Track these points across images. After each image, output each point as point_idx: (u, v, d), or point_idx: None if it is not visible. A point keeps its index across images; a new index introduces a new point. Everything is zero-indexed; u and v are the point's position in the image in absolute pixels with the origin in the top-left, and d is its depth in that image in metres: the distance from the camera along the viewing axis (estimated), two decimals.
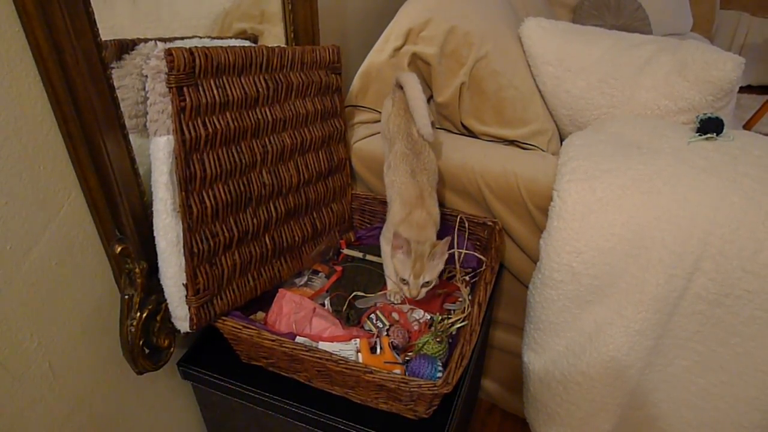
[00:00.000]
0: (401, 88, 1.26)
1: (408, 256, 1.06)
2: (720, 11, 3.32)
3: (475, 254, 1.29)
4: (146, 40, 0.95)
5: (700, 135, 1.21)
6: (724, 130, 1.22)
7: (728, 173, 1.10)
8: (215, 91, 0.96)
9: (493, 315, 1.53)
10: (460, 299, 1.21)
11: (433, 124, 1.31)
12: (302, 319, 1.09)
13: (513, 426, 1.71)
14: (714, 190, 1.07)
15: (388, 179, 1.20)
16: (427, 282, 1.07)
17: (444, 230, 1.32)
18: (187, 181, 0.93)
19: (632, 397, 1.20)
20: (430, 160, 1.19)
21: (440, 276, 1.26)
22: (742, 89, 3.57)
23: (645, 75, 1.36)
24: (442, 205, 1.36)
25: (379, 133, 1.43)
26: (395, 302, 1.18)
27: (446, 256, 1.09)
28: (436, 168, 1.22)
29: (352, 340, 1.06)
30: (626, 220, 1.09)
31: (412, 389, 0.92)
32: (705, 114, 1.25)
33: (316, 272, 1.30)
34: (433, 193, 1.17)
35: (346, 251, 1.33)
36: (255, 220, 1.08)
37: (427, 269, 1.06)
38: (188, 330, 1.01)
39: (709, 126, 1.21)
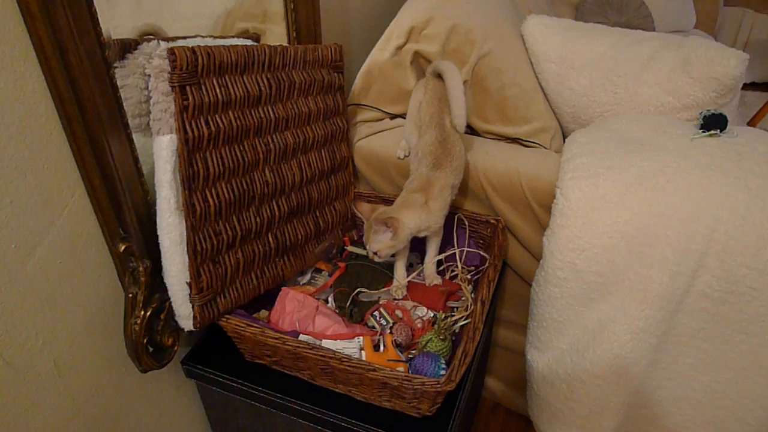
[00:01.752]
0: (437, 76, 1.25)
1: (367, 222, 1.12)
2: (723, 8, 3.31)
3: (479, 252, 1.29)
4: (149, 40, 0.96)
5: (703, 132, 1.21)
6: (728, 127, 1.21)
7: (732, 170, 1.09)
8: (218, 90, 0.96)
9: (496, 313, 1.53)
10: (463, 297, 1.21)
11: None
12: (305, 317, 1.10)
13: (516, 424, 1.71)
14: (718, 186, 1.07)
15: (413, 167, 1.20)
16: (375, 252, 1.11)
17: (445, 228, 1.33)
18: (190, 180, 0.94)
19: (636, 394, 1.20)
20: (459, 157, 1.17)
21: (443, 274, 1.27)
22: (746, 86, 3.56)
23: (648, 72, 1.35)
24: None
25: (382, 131, 1.43)
26: (397, 297, 1.18)
27: (390, 235, 1.09)
28: (463, 166, 1.20)
29: (356, 337, 1.06)
30: (630, 218, 1.09)
31: (415, 387, 0.92)
32: (709, 110, 1.24)
33: (319, 270, 1.31)
34: (445, 192, 1.14)
35: (350, 248, 1.33)
36: (258, 219, 1.09)
37: (371, 240, 1.10)
38: (192, 328, 1.01)
39: (713, 122, 1.21)
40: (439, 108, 1.18)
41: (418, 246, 1.25)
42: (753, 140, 1.19)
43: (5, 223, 0.79)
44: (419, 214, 1.10)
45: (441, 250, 1.26)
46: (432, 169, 1.14)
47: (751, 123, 2.51)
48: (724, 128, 1.21)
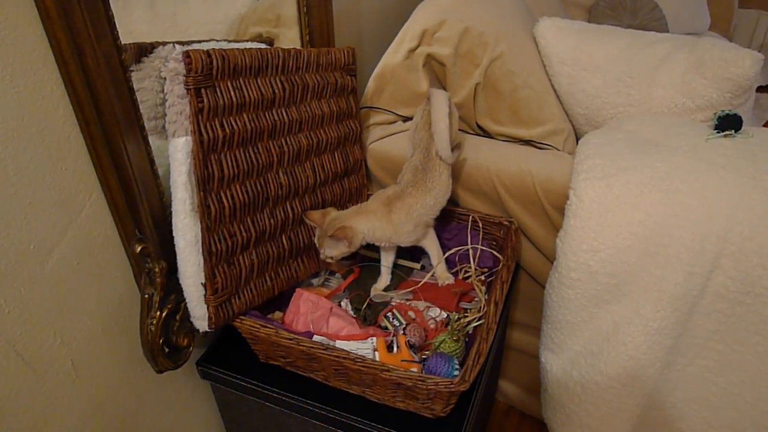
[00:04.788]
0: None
1: (319, 230, 1.13)
2: (738, 10, 3.28)
3: (492, 252, 1.29)
4: (165, 44, 0.97)
5: (718, 132, 1.20)
6: (743, 127, 1.20)
7: (747, 170, 1.08)
8: (232, 93, 0.97)
9: (510, 316, 1.53)
10: (476, 298, 1.21)
11: (459, 145, 1.31)
12: (319, 319, 1.10)
13: (531, 428, 1.70)
14: (733, 187, 1.06)
15: (398, 179, 1.22)
16: (330, 256, 1.13)
17: (457, 229, 1.33)
18: (205, 182, 0.95)
19: (651, 397, 1.19)
20: (440, 182, 1.18)
21: (456, 275, 1.27)
22: (761, 89, 3.52)
23: (662, 73, 1.35)
24: (456, 204, 1.37)
25: (394, 134, 1.44)
26: (375, 300, 1.21)
27: (347, 242, 1.10)
28: (442, 192, 1.19)
29: (369, 338, 1.06)
30: (644, 218, 1.08)
31: (429, 387, 0.92)
32: (723, 111, 1.24)
33: (332, 272, 1.31)
34: (413, 208, 1.14)
35: (362, 252, 1.33)
36: (272, 221, 1.09)
37: (326, 246, 1.12)
38: (207, 329, 1.02)
39: (728, 123, 1.20)
40: (429, 134, 1.20)
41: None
42: None
43: (24, 224, 0.80)
44: (375, 222, 1.12)
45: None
46: (407, 186, 1.17)
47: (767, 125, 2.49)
48: (739, 129, 1.20)
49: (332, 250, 1.12)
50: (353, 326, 1.10)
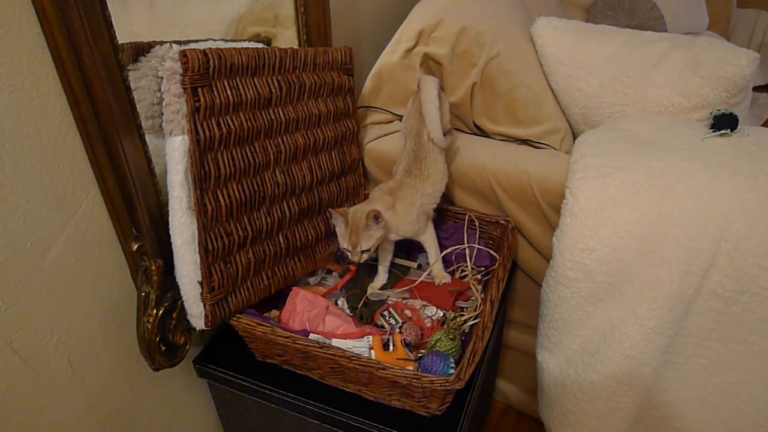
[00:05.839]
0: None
1: (345, 228, 1.11)
2: (737, 9, 3.28)
3: (488, 250, 1.29)
4: (162, 43, 0.97)
5: (714, 131, 1.21)
6: (739, 126, 1.21)
7: (743, 169, 1.09)
8: (229, 92, 0.97)
9: (507, 315, 1.53)
10: (472, 297, 1.21)
11: (450, 131, 1.31)
12: (315, 317, 1.10)
13: (528, 427, 1.70)
14: (729, 186, 1.06)
15: (393, 171, 1.24)
16: (366, 250, 1.11)
17: (454, 228, 1.33)
18: (201, 180, 0.95)
19: (648, 396, 1.19)
20: (435, 168, 1.19)
21: (452, 274, 1.27)
22: (761, 88, 3.53)
23: (658, 72, 1.35)
24: (452, 203, 1.37)
25: (391, 133, 1.44)
26: (372, 299, 1.21)
27: (382, 224, 1.10)
28: (439, 178, 1.21)
29: (365, 337, 1.06)
30: (639, 217, 1.08)
31: (424, 385, 0.93)
32: (719, 110, 1.24)
33: (329, 271, 1.31)
34: (414, 197, 1.16)
35: None
36: (269, 219, 1.10)
37: (362, 239, 1.10)
38: (203, 327, 1.02)
39: (724, 122, 1.20)
40: (420, 120, 1.22)
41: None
42: (764, 139, 1.18)
43: (21, 222, 0.80)
44: (387, 212, 1.13)
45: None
46: (404, 176, 1.18)
47: (766, 125, 2.49)
48: (735, 128, 1.20)
49: (369, 241, 1.10)
50: (349, 325, 1.10)
